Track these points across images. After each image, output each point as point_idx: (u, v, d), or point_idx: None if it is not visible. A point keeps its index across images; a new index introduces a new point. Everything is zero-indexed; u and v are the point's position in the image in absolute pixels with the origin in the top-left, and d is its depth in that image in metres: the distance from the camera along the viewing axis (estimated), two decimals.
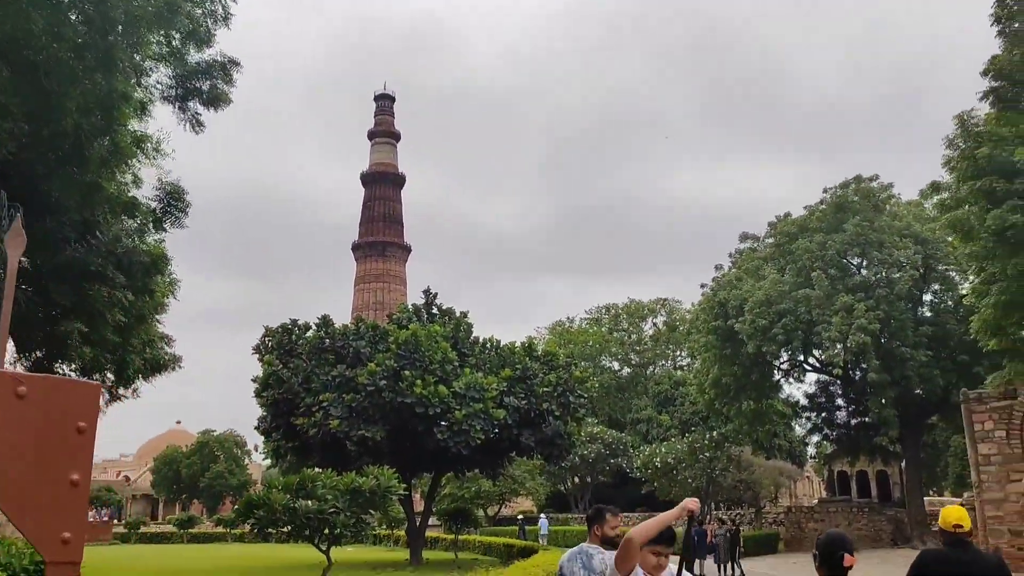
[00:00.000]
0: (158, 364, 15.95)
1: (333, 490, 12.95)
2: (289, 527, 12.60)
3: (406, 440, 24.99)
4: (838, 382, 34.97)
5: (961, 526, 5.07)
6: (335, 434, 23.68)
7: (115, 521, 59.74)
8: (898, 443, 31.44)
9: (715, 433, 38.17)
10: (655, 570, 3.90)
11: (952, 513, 5.19)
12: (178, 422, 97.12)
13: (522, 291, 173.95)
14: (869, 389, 30.28)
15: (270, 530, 12.84)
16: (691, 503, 3.81)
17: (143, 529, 54.54)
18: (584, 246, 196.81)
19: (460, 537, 32.98)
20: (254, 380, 26.80)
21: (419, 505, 32.23)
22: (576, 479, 55.11)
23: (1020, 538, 18.67)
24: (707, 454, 37.26)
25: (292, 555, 29.42)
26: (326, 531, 12.84)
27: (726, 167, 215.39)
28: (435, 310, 30.05)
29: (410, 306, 31.27)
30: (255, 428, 27.21)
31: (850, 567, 3.77)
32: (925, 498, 33.85)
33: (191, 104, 15.70)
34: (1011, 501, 18.95)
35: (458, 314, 29.06)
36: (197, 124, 15.73)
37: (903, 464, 35.17)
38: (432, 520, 39.93)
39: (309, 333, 27.19)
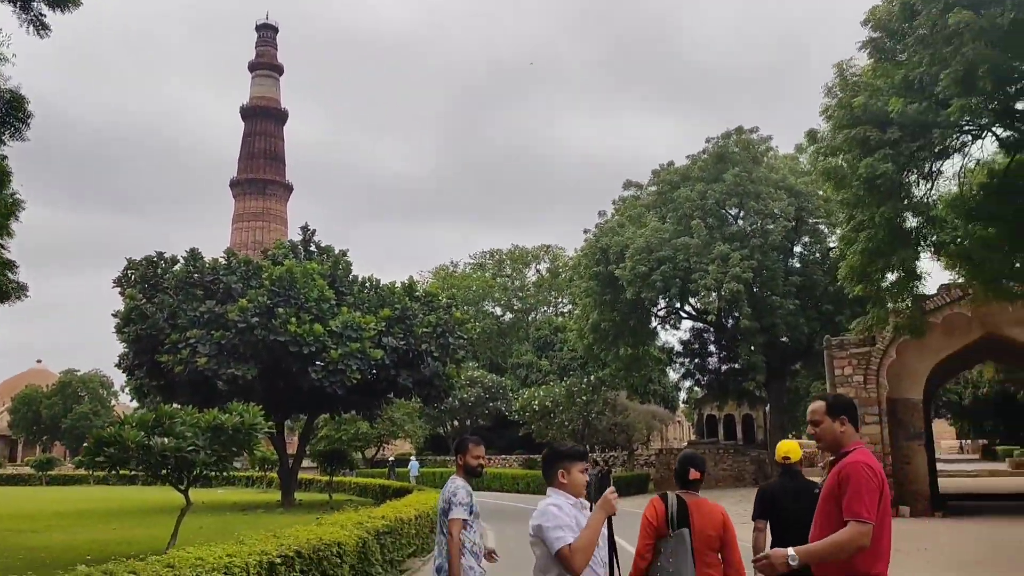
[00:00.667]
0: (1, 291, 14.46)
1: (193, 427, 12.10)
2: (144, 466, 11.72)
3: (279, 380, 24.07)
4: (711, 329, 36.18)
5: (789, 457, 5.93)
6: (203, 372, 22.49)
7: None
8: (764, 388, 32.92)
9: (592, 377, 38.88)
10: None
11: (783, 447, 6.02)
12: (39, 361, 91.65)
13: (410, 236, 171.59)
14: (740, 336, 31.40)
15: (126, 471, 11.92)
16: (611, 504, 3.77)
17: None
18: (475, 193, 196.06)
19: (335, 479, 32.44)
20: (115, 315, 25.08)
21: (295, 447, 31.43)
22: (455, 422, 55.35)
23: None
24: (584, 398, 37.97)
25: (154, 497, 28.14)
26: (185, 471, 12.02)
27: (620, 119, 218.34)
28: (313, 248, 28.93)
29: (287, 242, 29.96)
30: (116, 366, 25.57)
31: (696, 480, 4.62)
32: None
33: (34, 4, 14.01)
34: (865, 442, 20.01)
35: (337, 252, 28.07)
36: (41, 27, 14.05)
37: (767, 408, 36.96)
38: (307, 462, 39.35)
39: (176, 267, 25.61)
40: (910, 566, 12.29)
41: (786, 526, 5.49)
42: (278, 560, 7.35)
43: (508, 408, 49.46)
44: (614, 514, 3.74)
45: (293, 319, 22.50)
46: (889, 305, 16.24)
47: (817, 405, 3.88)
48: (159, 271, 25.64)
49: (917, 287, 15.26)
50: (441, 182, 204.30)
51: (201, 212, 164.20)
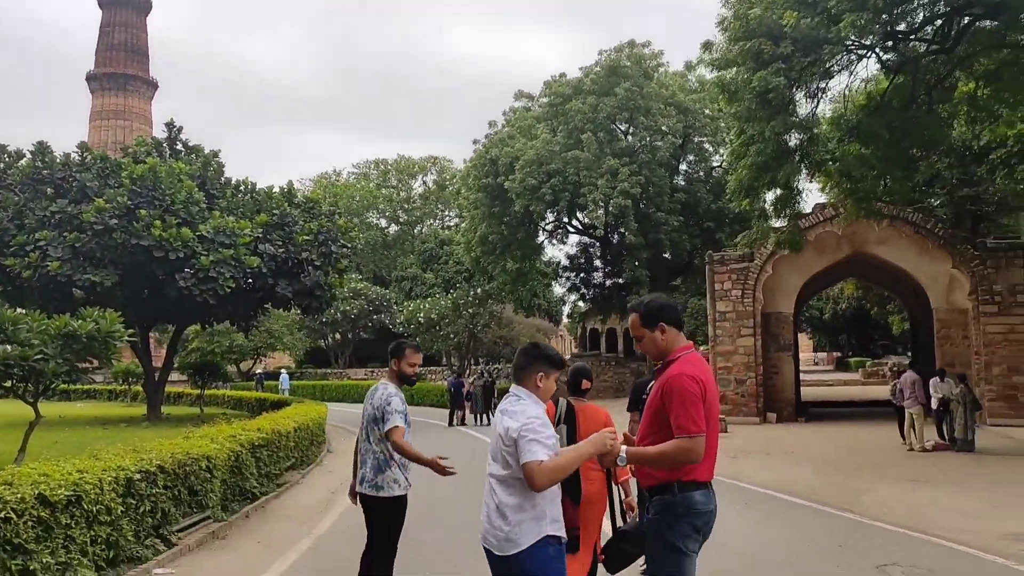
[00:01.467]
0: None
1: (41, 335, 11.00)
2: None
3: (143, 287, 22.53)
4: (597, 244, 36.44)
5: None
6: (56, 278, 20.68)
7: None
8: None
9: (479, 290, 38.74)
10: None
11: None
12: None
13: (289, 145, 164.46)
14: (625, 251, 31.78)
15: None
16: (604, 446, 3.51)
17: None
18: (358, 102, 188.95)
19: (207, 392, 31.25)
20: None
21: (163, 359, 29.78)
22: (337, 335, 54.40)
23: (743, 386, 20.64)
24: (470, 311, 37.85)
25: (3, 410, 26.22)
26: (33, 382, 10.96)
27: (513, 30, 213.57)
28: (180, 147, 26.91)
29: (150, 140, 27.74)
30: None
31: (586, 389, 5.23)
32: None
33: None
34: (739, 353, 20.78)
35: (207, 152, 26.20)
36: None
37: None
38: (178, 376, 37.70)
39: (23, 162, 23.25)
40: (780, 467, 12.85)
41: None
42: (137, 476, 6.71)
43: (392, 321, 48.95)
44: (612, 464, 3.59)
45: (158, 222, 20.86)
46: (772, 220, 16.55)
47: (632, 318, 3.71)
48: (1, 166, 23.25)
49: (798, 203, 15.56)
50: (320, 89, 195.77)
51: (57, 111, 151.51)
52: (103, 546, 6.17)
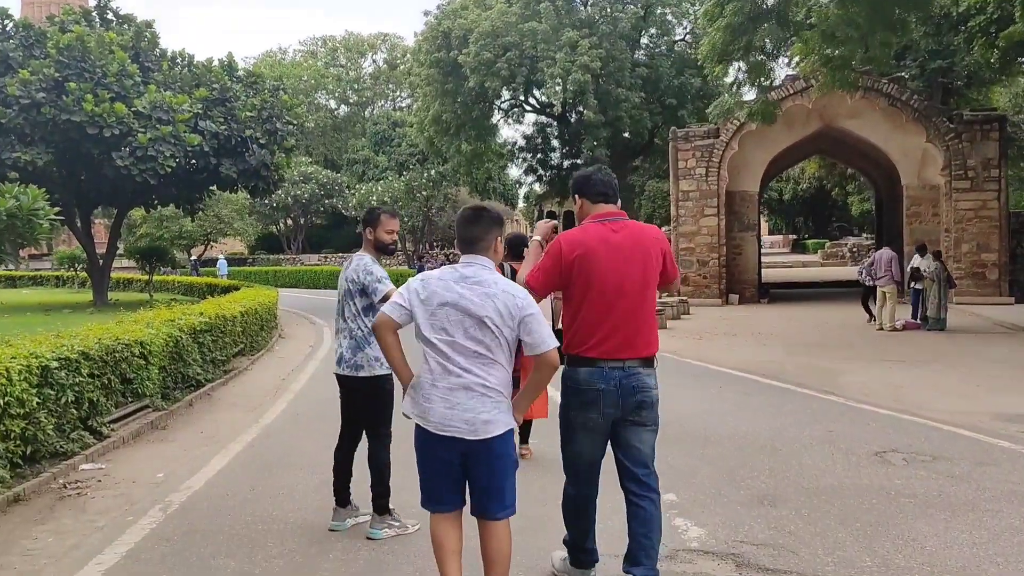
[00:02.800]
0: None
1: None
2: None
3: (79, 167, 21.12)
4: (555, 123, 35.31)
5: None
6: None
7: None
8: None
9: (433, 172, 37.58)
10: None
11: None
12: None
13: (235, 16, 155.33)
14: (584, 130, 30.76)
15: None
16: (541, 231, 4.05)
17: None
18: None
19: (157, 278, 30.21)
20: None
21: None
22: (289, 220, 52.98)
23: (706, 267, 20.34)
24: (424, 193, 36.85)
25: None
26: None
27: None
28: (111, 16, 24.80)
29: (76, 8, 25.51)
30: None
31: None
32: None
33: None
34: (702, 234, 20.37)
35: (139, 22, 24.20)
36: None
37: None
38: (129, 262, 36.41)
39: None
40: (749, 349, 12.59)
41: None
42: (55, 364, 5.99)
43: (345, 205, 47.57)
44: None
45: (89, 96, 19.30)
46: (741, 92, 15.77)
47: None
48: None
49: (772, 71, 14.77)
50: None
51: None
52: (17, 441, 5.53)
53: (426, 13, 33.13)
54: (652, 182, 43.75)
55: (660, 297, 18.93)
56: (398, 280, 24.37)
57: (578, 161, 33.67)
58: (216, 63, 24.19)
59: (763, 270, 27.02)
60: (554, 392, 4.27)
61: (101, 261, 24.33)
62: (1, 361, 5.41)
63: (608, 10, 29.93)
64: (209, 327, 10.23)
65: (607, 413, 3.43)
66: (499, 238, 3.39)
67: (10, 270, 46.71)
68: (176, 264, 32.86)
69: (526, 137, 37.24)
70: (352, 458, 4.72)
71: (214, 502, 5.24)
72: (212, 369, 10.27)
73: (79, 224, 24.23)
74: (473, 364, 3.12)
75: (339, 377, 4.60)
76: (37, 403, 5.71)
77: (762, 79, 14.90)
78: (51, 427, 5.93)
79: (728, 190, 20.60)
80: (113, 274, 34.78)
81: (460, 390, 3.11)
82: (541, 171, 36.31)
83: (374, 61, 67.59)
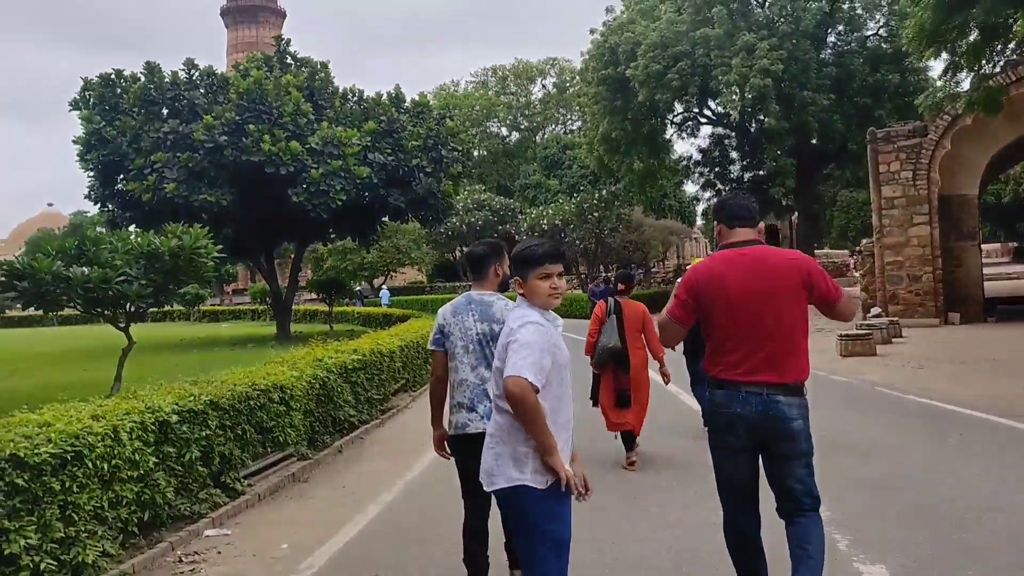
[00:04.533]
0: None
1: (124, 255, 10.07)
2: (71, 300, 9.78)
3: (259, 205, 21.90)
4: (733, 134, 33.30)
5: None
6: (174, 199, 20.30)
7: None
8: (792, 196, 30.45)
9: (604, 193, 36.50)
10: (552, 297, 2.99)
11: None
12: (50, 204, 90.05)
13: (413, 67, 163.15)
14: (765, 139, 28.63)
15: (57, 306, 10.01)
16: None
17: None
18: (486, 18, 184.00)
19: (337, 309, 31.08)
20: (75, 142, 22.66)
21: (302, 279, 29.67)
22: (464, 247, 53.65)
23: (918, 283, 17.83)
24: (595, 215, 35.83)
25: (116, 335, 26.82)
26: (118, 306, 10.07)
27: None
28: (289, 60, 25.82)
29: (259, 54, 26.80)
30: (85, 197, 23.33)
31: (623, 290, 6.98)
32: (815, 251, 33.71)
33: None
34: (912, 245, 17.89)
35: (315, 62, 25.01)
36: None
37: (793, 218, 34.68)
38: (312, 295, 37.96)
39: (137, 85, 22.82)
40: (982, 380, 10.41)
41: None
42: (175, 418, 5.40)
43: (517, 230, 47.48)
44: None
45: (266, 136, 20.00)
46: (961, 75, 13.51)
47: None
48: (118, 90, 22.88)
49: (998, 49, 12.48)
50: (443, 9, 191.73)
51: (197, 49, 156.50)
52: (132, 507, 4.95)
53: (592, 31, 32.37)
54: (845, 192, 40.35)
55: (864, 319, 16.69)
56: (571, 305, 22.97)
57: (760, 172, 31.48)
58: (384, 96, 24.52)
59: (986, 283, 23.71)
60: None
61: (284, 296, 25.15)
62: (110, 419, 4.86)
63: (788, 8, 27.69)
64: (363, 365, 9.66)
65: (745, 438, 3.39)
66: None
67: (215, 305, 50.46)
68: (354, 296, 33.70)
69: (702, 151, 35.42)
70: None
71: None
72: (368, 409, 9.67)
73: (263, 261, 25.21)
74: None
75: (461, 439, 3.82)
76: (154, 463, 5.13)
77: (983, 62, 12.63)
78: (172, 489, 5.35)
79: (941, 194, 18.01)
80: (299, 306, 36.38)
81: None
82: (720, 185, 34.27)
83: (543, 86, 67.78)
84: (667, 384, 6.89)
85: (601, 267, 43.27)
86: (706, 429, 3.85)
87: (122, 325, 10.71)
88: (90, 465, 4.51)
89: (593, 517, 4.99)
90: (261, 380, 6.91)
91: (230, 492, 6.14)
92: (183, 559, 4.99)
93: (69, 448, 4.38)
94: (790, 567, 3.22)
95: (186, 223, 21.34)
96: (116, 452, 4.75)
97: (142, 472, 4.99)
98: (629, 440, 6.71)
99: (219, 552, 5.14)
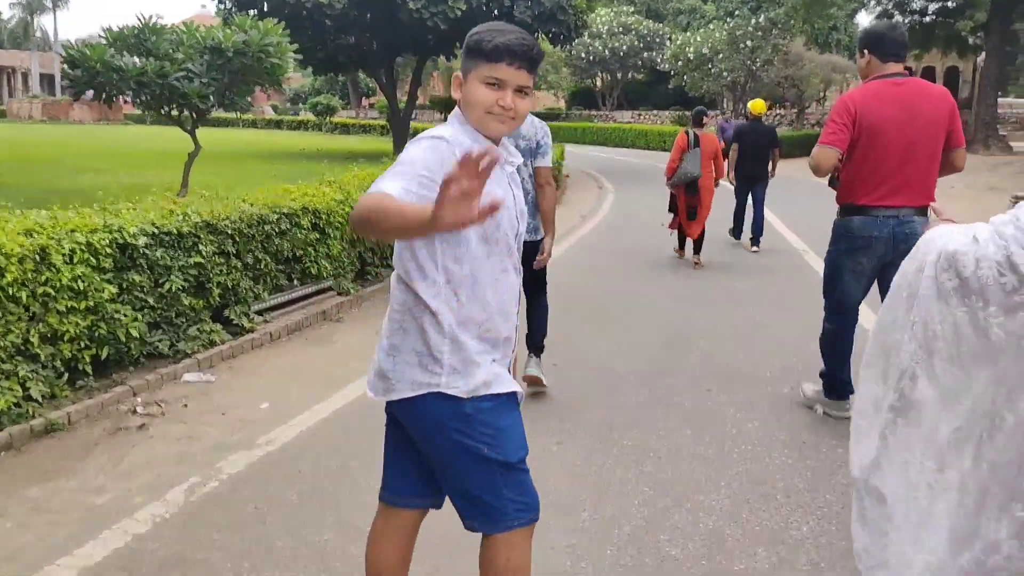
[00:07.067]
0: None
1: (188, 48, 9.09)
2: (122, 93, 8.99)
3: (377, 11, 20.46)
4: None
5: (753, 111, 9.68)
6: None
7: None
8: (983, 31, 25.96)
9: (762, 18, 32.52)
10: (495, 118, 1.82)
11: (754, 105, 9.74)
12: (203, 7, 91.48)
13: None
14: None
15: (110, 99, 9.26)
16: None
17: None
18: None
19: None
20: None
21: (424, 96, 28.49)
22: (607, 75, 50.47)
23: None
24: (749, 43, 32.14)
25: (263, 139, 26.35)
26: (177, 104, 9.20)
27: None
28: None
29: None
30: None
31: (702, 123, 8.36)
32: (998, 99, 29.11)
33: None
34: None
35: None
36: None
37: (980, 58, 29.91)
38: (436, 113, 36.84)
39: None
40: None
41: (748, 151, 9.38)
42: (141, 242, 4.44)
43: (662, 59, 43.95)
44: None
45: None
46: None
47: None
48: None
49: None
50: None
51: None
52: (82, 343, 4.11)
53: None
54: None
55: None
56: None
57: (948, 3, 26.95)
58: None
59: None
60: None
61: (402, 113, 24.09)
62: (39, 239, 3.92)
63: None
64: None
65: (878, 258, 3.72)
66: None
67: (352, 118, 50.27)
68: None
69: None
70: None
71: (284, 469, 3.45)
72: None
73: (383, 74, 24.04)
74: None
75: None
76: (113, 293, 4.22)
77: None
78: (143, 323, 4.47)
79: None
80: (420, 124, 35.34)
81: None
82: (898, 16, 29.73)
83: None
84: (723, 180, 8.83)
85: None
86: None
87: (188, 128, 9.91)
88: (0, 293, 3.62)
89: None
90: (286, 202, 5.86)
91: (234, 329, 5.28)
92: (137, 409, 4.16)
93: None
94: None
95: (308, 26, 20.58)
96: (45, 278, 3.84)
97: (93, 303, 4.10)
98: (698, 245, 8.40)
99: (185, 405, 4.29)
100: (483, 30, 1.84)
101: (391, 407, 1.95)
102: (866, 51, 3.72)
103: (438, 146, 1.75)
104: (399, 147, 23.29)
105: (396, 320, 1.88)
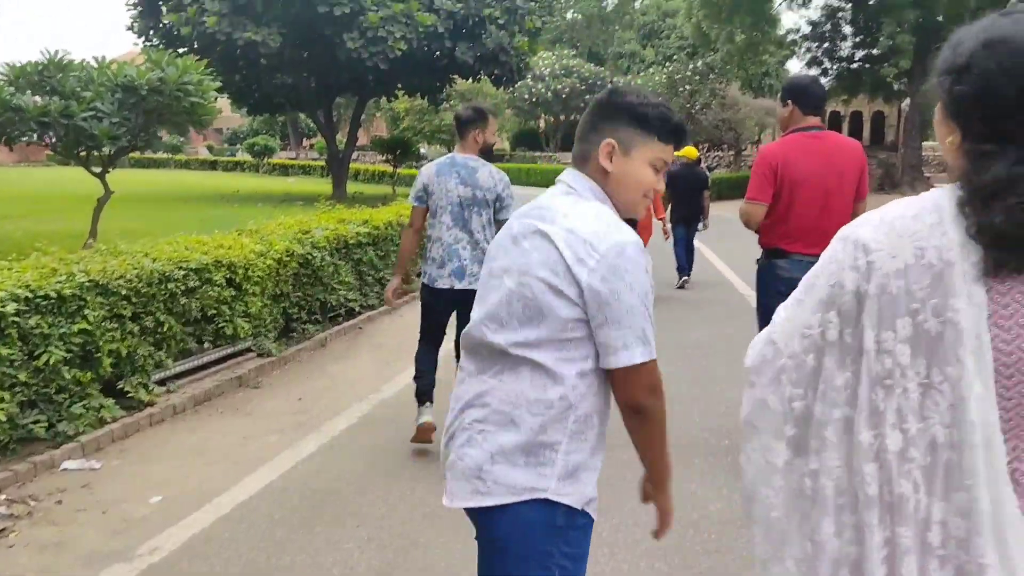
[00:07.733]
0: None
1: (97, 86, 8.43)
2: (24, 134, 8.26)
3: (313, 49, 19.98)
4: (849, 6, 29.18)
5: (686, 157, 9.43)
6: (216, 36, 18.49)
7: None
8: (907, 77, 26.74)
9: (700, 63, 33.05)
10: (647, 199, 1.74)
11: (687, 152, 9.47)
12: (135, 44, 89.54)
13: None
14: (884, 13, 24.82)
15: (11, 140, 8.54)
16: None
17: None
18: None
19: (403, 172, 29.42)
20: None
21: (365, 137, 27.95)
22: (549, 116, 50.82)
23: None
24: (688, 87, 32.60)
25: (197, 181, 25.53)
26: (86, 147, 8.50)
27: None
28: None
29: None
30: (127, 28, 21.67)
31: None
32: (922, 143, 29.94)
33: None
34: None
35: None
36: None
37: (904, 104, 30.79)
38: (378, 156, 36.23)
39: None
40: None
41: (681, 194, 9.45)
42: (10, 308, 3.81)
43: None
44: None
45: None
46: None
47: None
48: None
49: None
50: None
51: None
52: None
53: None
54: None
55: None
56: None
57: (873, 51, 27.71)
58: None
59: None
60: None
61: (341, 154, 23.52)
62: None
63: None
64: (373, 240, 7.97)
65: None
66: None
67: (292, 159, 49.31)
68: (419, 157, 31.73)
69: (812, 23, 31.31)
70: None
71: None
72: (379, 292, 8.01)
73: (321, 115, 23.51)
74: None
75: (456, 292, 3.99)
76: None
77: None
78: (15, 403, 3.81)
79: None
80: (361, 166, 34.76)
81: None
82: (827, 64, 30.44)
83: None
84: (667, 240, 9.58)
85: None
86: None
87: (95, 171, 9.20)
88: None
89: None
90: (196, 255, 5.27)
91: (129, 403, 4.63)
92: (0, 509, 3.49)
93: None
94: None
95: (243, 65, 19.96)
96: None
97: None
98: None
99: (60, 502, 3.64)
100: (654, 102, 1.64)
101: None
102: (790, 102, 3.88)
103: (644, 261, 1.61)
104: (338, 188, 22.70)
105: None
